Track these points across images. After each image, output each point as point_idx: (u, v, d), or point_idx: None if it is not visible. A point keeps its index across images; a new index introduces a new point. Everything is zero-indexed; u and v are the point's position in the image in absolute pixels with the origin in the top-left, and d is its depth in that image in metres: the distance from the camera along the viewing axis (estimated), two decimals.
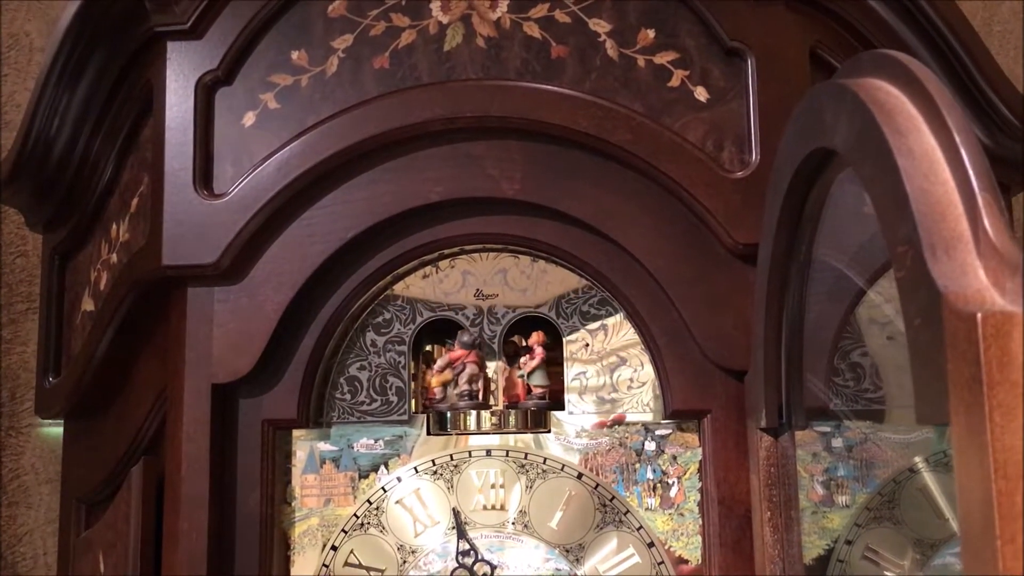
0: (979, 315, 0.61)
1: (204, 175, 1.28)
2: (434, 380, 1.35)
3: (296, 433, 1.33)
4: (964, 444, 0.63)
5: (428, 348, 1.43)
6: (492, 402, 1.36)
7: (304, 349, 1.30)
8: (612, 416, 1.34)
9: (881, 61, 0.80)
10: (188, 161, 1.28)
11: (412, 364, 1.36)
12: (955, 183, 0.69)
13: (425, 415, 1.34)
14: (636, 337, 1.34)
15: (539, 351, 1.35)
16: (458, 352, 1.34)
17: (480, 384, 1.33)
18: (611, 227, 1.28)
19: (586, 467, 1.32)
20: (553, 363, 1.38)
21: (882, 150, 0.72)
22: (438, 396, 1.35)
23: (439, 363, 1.34)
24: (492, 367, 1.36)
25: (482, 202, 1.30)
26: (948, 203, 0.68)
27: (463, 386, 1.33)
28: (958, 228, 0.68)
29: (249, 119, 1.29)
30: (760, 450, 1.19)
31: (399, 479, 1.33)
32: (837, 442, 1.31)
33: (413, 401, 1.34)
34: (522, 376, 1.36)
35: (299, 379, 1.30)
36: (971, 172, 0.68)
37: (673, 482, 1.32)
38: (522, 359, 1.37)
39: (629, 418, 1.33)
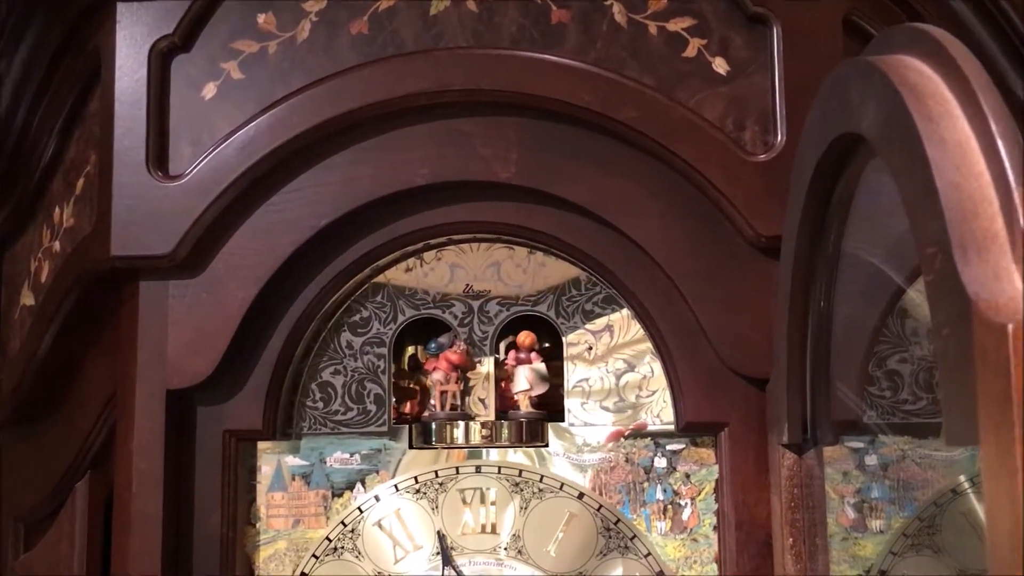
0: (1010, 327, 0.62)
1: (158, 154, 1.29)
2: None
3: (262, 446, 1.35)
4: (994, 466, 0.64)
5: (412, 350, 1.45)
6: (483, 412, 1.38)
7: (271, 351, 1.32)
8: (617, 428, 1.35)
9: (914, 36, 0.82)
10: (140, 138, 1.29)
11: (393, 368, 1.38)
12: (990, 176, 0.70)
13: (408, 426, 1.36)
14: (645, 339, 1.36)
15: (533, 355, 1.37)
16: (439, 360, 1.36)
17: (453, 390, 1.35)
18: (617, 215, 1.29)
19: (588, 486, 1.34)
20: (552, 368, 1.40)
21: (911, 138, 0.74)
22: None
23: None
24: (483, 372, 1.38)
25: (473, 186, 1.32)
26: (981, 199, 0.69)
27: (434, 398, 1.36)
28: (992, 227, 0.69)
29: (209, 91, 1.31)
30: (782, 468, 1.20)
31: (377, 498, 1.35)
32: (871, 459, 1.32)
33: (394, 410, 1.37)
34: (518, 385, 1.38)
35: (265, 385, 1.31)
36: (1008, 164, 0.69)
37: (686, 503, 1.33)
38: (507, 361, 1.38)
39: (637, 431, 1.35)
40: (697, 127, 1.27)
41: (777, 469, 1.22)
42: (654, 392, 1.36)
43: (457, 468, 1.35)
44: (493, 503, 1.34)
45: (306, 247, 1.31)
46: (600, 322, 1.38)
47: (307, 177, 1.30)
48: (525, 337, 1.38)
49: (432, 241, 1.37)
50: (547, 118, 1.29)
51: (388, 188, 1.30)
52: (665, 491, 1.34)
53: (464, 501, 1.35)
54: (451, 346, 1.36)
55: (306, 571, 1.34)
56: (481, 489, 1.35)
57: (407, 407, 1.40)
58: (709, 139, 1.27)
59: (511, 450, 1.36)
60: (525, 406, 1.37)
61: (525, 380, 1.37)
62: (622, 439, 1.35)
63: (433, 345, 1.38)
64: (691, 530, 1.33)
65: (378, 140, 1.30)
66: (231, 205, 1.29)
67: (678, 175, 1.29)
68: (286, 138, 1.28)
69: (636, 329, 1.37)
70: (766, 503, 1.26)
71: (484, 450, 1.36)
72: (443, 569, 1.32)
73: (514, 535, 1.34)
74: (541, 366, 1.37)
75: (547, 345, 1.43)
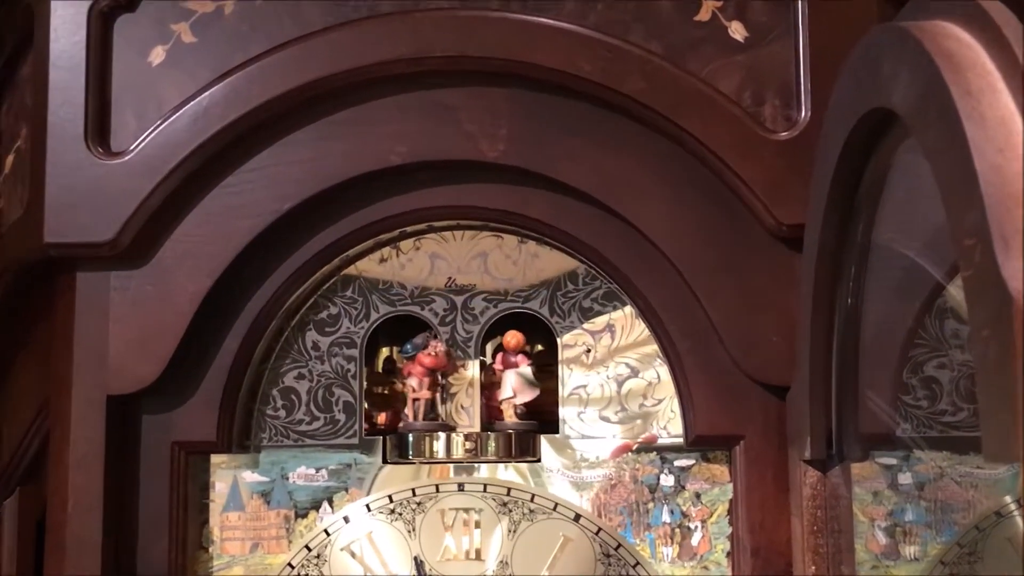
0: None
1: (99, 128, 1.29)
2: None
3: (215, 459, 1.35)
4: None
5: (386, 352, 1.45)
6: (467, 422, 1.38)
7: (226, 352, 1.32)
8: (625, 442, 1.36)
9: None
10: (79, 109, 1.29)
11: (365, 373, 1.38)
12: None
13: (382, 438, 1.37)
14: (651, 340, 1.36)
15: (519, 358, 1.38)
16: (415, 364, 1.37)
17: (425, 397, 1.35)
18: (620, 200, 1.29)
19: (586, 506, 1.34)
20: (547, 373, 1.41)
21: (948, 115, 0.74)
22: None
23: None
24: (467, 378, 1.38)
25: (456, 166, 1.32)
26: None
27: (411, 407, 1.36)
28: None
29: (157, 56, 1.31)
30: (805, 487, 1.21)
31: (347, 519, 1.35)
32: (905, 478, 1.33)
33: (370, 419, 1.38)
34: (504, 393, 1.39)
35: (219, 391, 1.31)
36: None
37: (695, 527, 1.34)
38: (495, 365, 1.39)
39: (646, 444, 1.36)
40: (710, 101, 1.27)
41: (799, 488, 1.22)
42: (660, 401, 1.36)
43: (437, 486, 1.35)
44: (478, 526, 1.35)
45: (267, 234, 1.31)
46: (600, 321, 1.38)
47: (268, 155, 1.31)
48: (512, 337, 1.38)
49: (410, 228, 1.37)
50: (541, 89, 1.29)
51: (360, 168, 1.30)
52: (672, 513, 1.34)
53: (445, 523, 1.35)
54: (425, 347, 1.36)
55: None
56: (464, 510, 1.35)
57: (381, 417, 1.40)
58: (724, 114, 1.27)
59: (499, 466, 1.36)
60: (509, 415, 1.37)
61: (510, 387, 1.37)
62: (625, 455, 1.36)
63: (409, 346, 1.38)
64: (701, 557, 1.33)
65: (349, 113, 1.30)
66: (181, 186, 1.29)
67: (689, 155, 1.29)
68: (244, 110, 1.28)
69: (641, 329, 1.37)
70: (786, 527, 1.27)
71: (468, 466, 1.36)
72: None
73: (501, 562, 1.34)
74: (527, 370, 1.37)
75: (540, 348, 1.44)
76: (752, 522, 1.29)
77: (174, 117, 1.29)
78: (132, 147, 1.29)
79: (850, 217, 1.08)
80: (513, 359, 1.39)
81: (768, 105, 1.28)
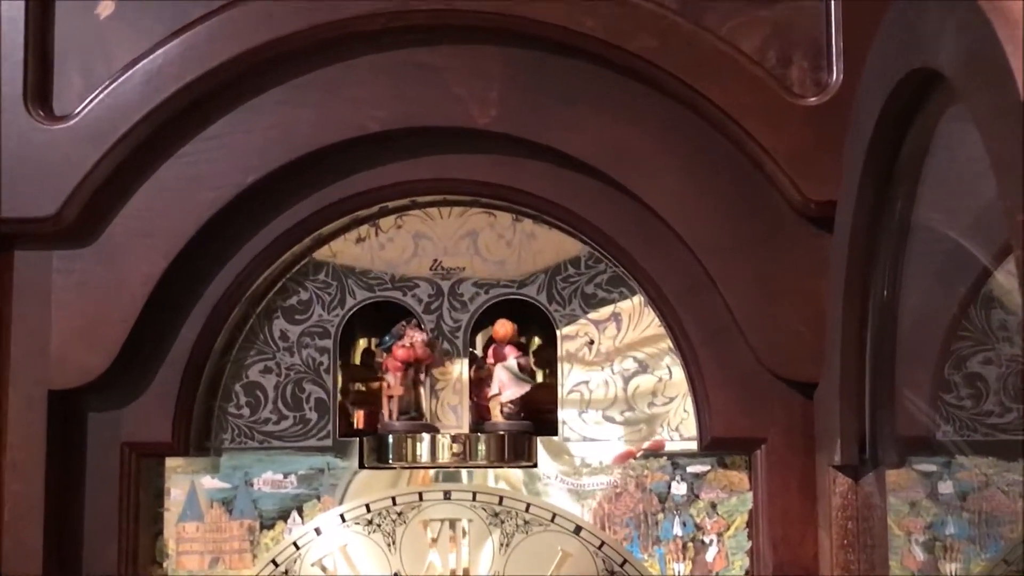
0: None
1: (40, 89, 1.29)
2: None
3: (171, 463, 1.35)
4: None
5: (364, 344, 1.44)
6: (454, 423, 1.38)
7: (183, 343, 1.32)
8: (628, 448, 1.36)
9: None
10: (17, 68, 1.28)
11: (340, 366, 1.38)
12: None
13: (358, 440, 1.37)
14: (662, 332, 1.36)
15: (509, 349, 1.37)
16: (392, 359, 1.36)
17: (398, 394, 1.35)
18: (627, 173, 1.29)
19: (587, 517, 1.34)
20: (546, 368, 1.41)
21: (1000, 77, 0.73)
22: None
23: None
24: (455, 373, 1.38)
25: (443, 134, 1.31)
26: None
27: (387, 406, 1.36)
28: None
29: (106, 8, 1.30)
30: (834, 496, 1.20)
31: (318, 531, 1.35)
32: (946, 487, 1.33)
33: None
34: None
35: (175, 385, 1.31)
36: None
37: (711, 540, 1.34)
38: (487, 359, 1.38)
39: (653, 451, 1.35)
40: (731, 61, 1.27)
41: (827, 497, 1.22)
42: (672, 399, 1.36)
43: (420, 494, 1.35)
44: (466, 538, 1.35)
45: (229, 210, 1.30)
46: (605, 310, 1.38)
47: (230, 121, 1.30)
48: (501, 327, 1.37)
49: (390, 204, 1.37)
50: (539, 48, 1.29)
51: (334, 136, 1.30)
52: (685, 525, 1.34)
53: (429, 536, 1.35)
54: (401, 338, 1.36)
55: None
56: (451, 521, 1.35)
57: (358, 416, 1.40)
58: (746, 77, 1.26)
59: (490, 472, 1.36)
60: (496, 415, 1.37)
61: (497, 383, 1.37)
62: (632, 460, 1.36)
63: (388, 338, 1.38)
64: (717, 574, 1.34)
65: (321, 75, 1.30)
66: (133, 155, 1.29)
67: (705, 122, 1.28)
68: (203, 70, 1.28)
69: (651, 319, 1.37)
70: (813, 540, 1.27)
71: (456, 472, 1.36)
72: None
73: None
74: (513, 363, 1.37)
75: (538, 342, 1.43)
76: (774, 535, 1.29)
77: (124, 77, 1.28)
78: (77, 111, 1.28)
79: (887, 193, 1.07)
80: (503, 351, 1.38)
81: (795, 67, 1.28)
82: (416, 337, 1.36)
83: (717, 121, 1.28)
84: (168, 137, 1.30)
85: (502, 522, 1.35)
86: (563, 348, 1.37)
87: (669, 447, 1.36)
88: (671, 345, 1.36)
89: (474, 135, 1.31)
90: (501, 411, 1.37)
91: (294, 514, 1.35)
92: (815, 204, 1.25)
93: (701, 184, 1.29)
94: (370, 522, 1.35)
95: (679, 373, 1.36)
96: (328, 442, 1.36)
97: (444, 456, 1.35)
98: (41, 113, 1.29)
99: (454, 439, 1.36)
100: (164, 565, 1.34)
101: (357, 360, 1.45)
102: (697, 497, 1.35)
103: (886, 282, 1.11)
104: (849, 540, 1.20)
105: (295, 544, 1.35)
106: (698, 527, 1.34)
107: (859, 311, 1.12)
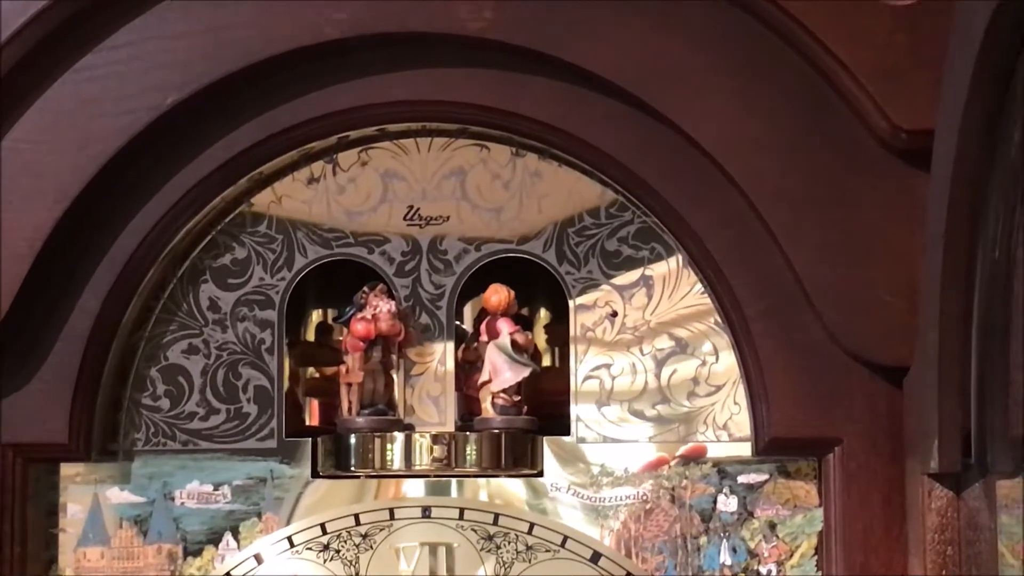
0: None
1: None
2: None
3: (68, 470, 1.37)
4: None
5: (318, 316, 1.48)
6: (436, 419, 1.40)
7: (83, 315, 1.33)
8: (660, 456, 1.38)
9: None
10: None
11: (287, 345, 1.40)
12: None
13: (311, 441, 1.38)
14: (706, 302, 1.38)
15: (503, 322, 1.38)
16: (352, 336, 1.37)
17: (355, 381, 1.36)
18: (660, 94, 1.30)
19: (608, 541, 1.36)
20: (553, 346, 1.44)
21: None
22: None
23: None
24: (436, 354, 1.40)
25: (422, 43, 1.32)
26: None
27: (345, 396, 1.37)
28: None
29: None
30: (929, 513, 1.22)
31: (259, 559, 1.36)
32: None
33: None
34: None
35: (73, 371, 1.32)
36: None
37: (769, 571, 1.36)
38: (480, 335, 1.39)
39: (691, 457, 1.38)
40: None
41: (920, 515, 1.24)
42: (718, 389, 1.39)
43: (392, 511, 1.37)
44: (451, 567, 1.36)
45: (142, 142, 1.31)
46: (632, 274, 1.40)
47: (144, 25, 1.31)
48: (493, 294, 1.39)
49: (353, 134, 1.39)
50: None
51: (279, 45, 1.31)
52: (735, 551, 1.37)
53: (404, 566, 1.36)
54: (363, 308, 1.37)
55: None
56: (432, 545, 1.37)
57: (312, 410, 1.44)
58: None
59: (482, 483, 1.39)
60: (488, 408, 1.38)
61: (487, 367, 1.38)
62: (667, 467, 1.38)
63: (349, 308, 1.38)
64: None
65: None
66: (16, 70, 1.29)
67: (765, 29, 1.29)
68: None
69: (692, 284, 1.39)
70: (902, 570, 1.29)
71: (438, 482, 1.38)
72: None
73: None
74: (506, 341, 1.38)
75: (545, 315, 1.47)
76: (851, 564, 1.30)
77: None
78: None
79: (1001, 120, 1.06)
80: (497, 326, 1.39)
81: None
82: (381, 307, 1.37)
83: (780, 28, 1.28)
84: (62, 46, 1.30)
85: (498, 547, 1.36)
86: (577, 323, 1.39)
87: (714, 451, 1.38)
88: (718, 319, 1.38)
89: (463, 45, 1.32)
90: (493, 403, 1.38)
91: (227, 537, 1.37)
92: (907, 135, 1.26)
93: (758, 110, 1.30)
94: (326, 547, 1.36)
95: (728, 356, 1.38)
96: (272, 443, 1.38)
97: (422, 461, 1.37)
98: None
99: (435, 440, 1.37)
100: None
101: (310, 337, 1.49)
102: (751, 515, 1.37)
103: (999, 237, 1.12)
104: (949, 570, 1.21)
105: (229, 575, 1.37)
106: (752, 554, 1.37)
107: (964, 275, 1.13)
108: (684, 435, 1.39)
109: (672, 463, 1.38)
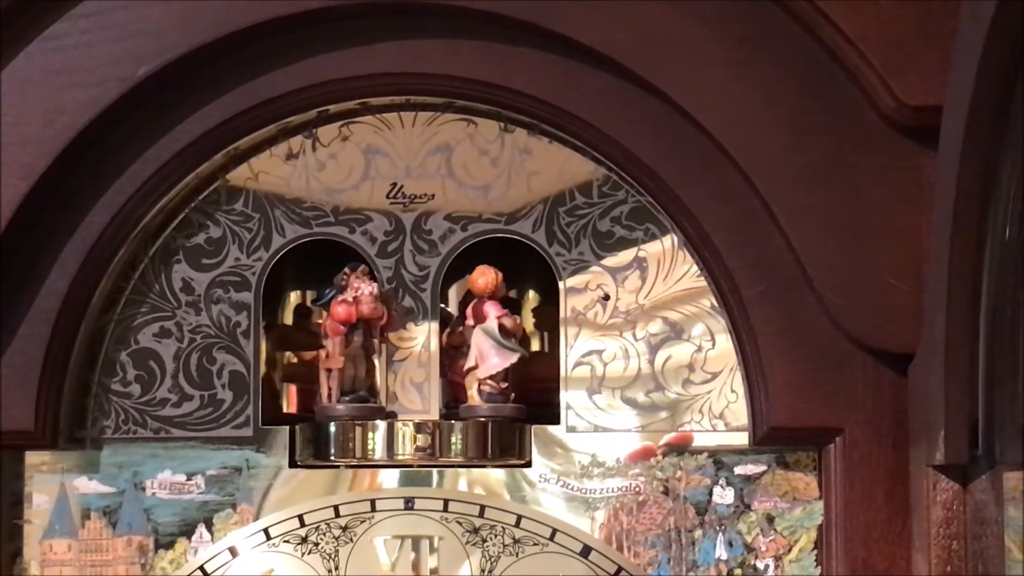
0: None
1: None
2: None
3: (32, 459, 1.36)
4: None
5: (297, 298, 1.46)
6: (419, 406, 1.39)
7: (49, 295, 1.32)
8: (647, 444, 1.37)
9: None
10: None
11: (264, 329, 1.39)
12: None
13: (289, 429, 1.37)
14: (703, 285, 1.37)
15: (490, 305, 1.37)
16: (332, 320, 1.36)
17: (336, 367, 1.35)
18: (656, 67, 1.29)
19: (598, 535, 1.36)
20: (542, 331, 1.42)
21: None
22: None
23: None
24: (419, 338, 1.39)
25: (407, 12, 1.32)
26: None
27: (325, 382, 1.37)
28: None
29: None
30: (934, 507, 1.21)
31: (234, 551, 1.36)
32: None
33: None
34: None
35: (38, 356, 1.31)
36: None
37: (767, 566, 1.35)
38: (466, 318, 1.39)
39: (677, 445, 1.37)
40: None
41: (924, 508, 1.23)
42: (714, 376, 1.38)
43: (373, 502, 1.36)
44: (435, 561, 1.36)
45: (112, 115, 1.31)
46: (625, 255, 1.39)
47: None
48: (480, 275, 1.38)
49: (333, 108, 1.38)
50: None
51: (256, 14, 1.30)
52: (732, 545, 1.36)
53: (385, 559, 1.36)
54: (344, 290, 1.36)
55: None
56: (414, 539, 1.36)
57: (289, 397, 1.43)
58: None
59: (467, 473, 1.38)
60: (474, 396, 1.38)
61: (474, 352, 1.38)
62: (655, 459, 1.37)
63: (329, 290, 1.38)
64: None
65: None
66: None
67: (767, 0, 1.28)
68: None
69: (688, 267, 1.38)
70: (905, 565, 1.28)
71: (421, 472, 1.38)
72: None
73: None
74: (493, 325, 1.37)
75: (534, 297, 1.46)
76: (853, 559, 1.30)
77: None
78: None
79: (1014, 94, 1.06)
80: (484, 309, 1.38)
81: None
82: (363, 289, 1.36)
83: None
84: (27, 14, 1.29)
85: (484, 540, 1.36)
86: (568, 306, 1.38)
87: (710, 440, 1.37)
88: (714, 302, 1.36)
89: (450, 14, 1.31)
90: (479, 390, 1.38)
91: (201, 528, 1.36)
92: (912, 110, 1.25)
93: (759, 83, 1.29)
94: (304, 540, 1.36)
95: (725, 341, 1.37)
96: (248, 431, 1.37)
97: (405, 451, 1.36)
98: None
99: (418, 428, 1.36)
100: None
101: (288, 321, 1.47)
102: (748, 508, 1.36)
103: (1010, 216, 1.11)
104: (954, 566, 1.21)
105: (202, 570, 1.36)
106: (749, 548, 1.35)
107: (973, 257, 1.12)
108: (678, 424, 1.38)
109: (659, 452, 1.37)
